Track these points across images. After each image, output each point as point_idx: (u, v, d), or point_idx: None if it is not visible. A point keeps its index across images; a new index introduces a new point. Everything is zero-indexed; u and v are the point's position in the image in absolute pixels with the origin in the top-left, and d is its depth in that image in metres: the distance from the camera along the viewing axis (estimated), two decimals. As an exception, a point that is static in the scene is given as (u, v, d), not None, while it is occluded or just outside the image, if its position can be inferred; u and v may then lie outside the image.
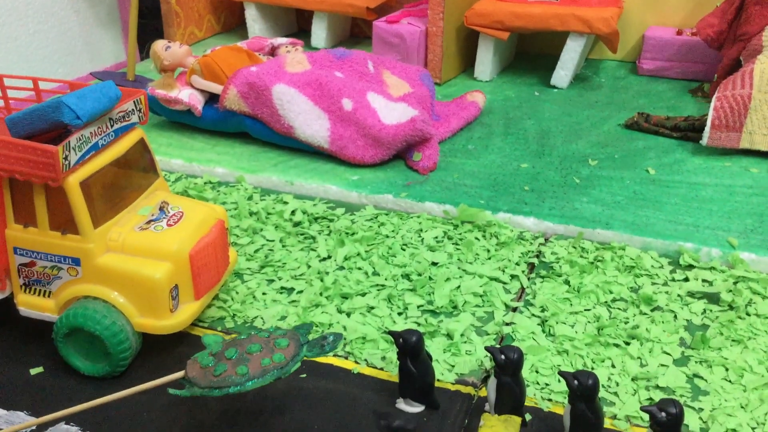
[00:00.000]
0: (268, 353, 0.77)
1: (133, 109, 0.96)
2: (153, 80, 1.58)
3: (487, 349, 0.82)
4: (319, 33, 2.10)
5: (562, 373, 0.78)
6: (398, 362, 0.85)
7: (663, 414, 0.73)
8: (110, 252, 0.89)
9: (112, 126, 0.92)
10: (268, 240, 1.21)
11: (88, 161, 0.89)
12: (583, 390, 0.76)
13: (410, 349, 0.84)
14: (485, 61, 1.90)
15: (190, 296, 0.93)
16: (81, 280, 0.90)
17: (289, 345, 0.79)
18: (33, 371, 0.93)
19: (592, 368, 0.92)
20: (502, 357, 0.81)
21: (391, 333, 0.85)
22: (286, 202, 1.32)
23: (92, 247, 0.88)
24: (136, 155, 0.97)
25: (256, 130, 1.48)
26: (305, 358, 0.79)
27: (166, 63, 1.53)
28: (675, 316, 1.02)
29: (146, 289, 0.88)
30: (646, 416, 0.75)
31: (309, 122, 1.43)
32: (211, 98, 1.53)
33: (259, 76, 1.43)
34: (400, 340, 0.84)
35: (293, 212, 1.28)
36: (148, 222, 0.92)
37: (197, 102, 1.50)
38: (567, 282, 1.09)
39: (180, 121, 1.57)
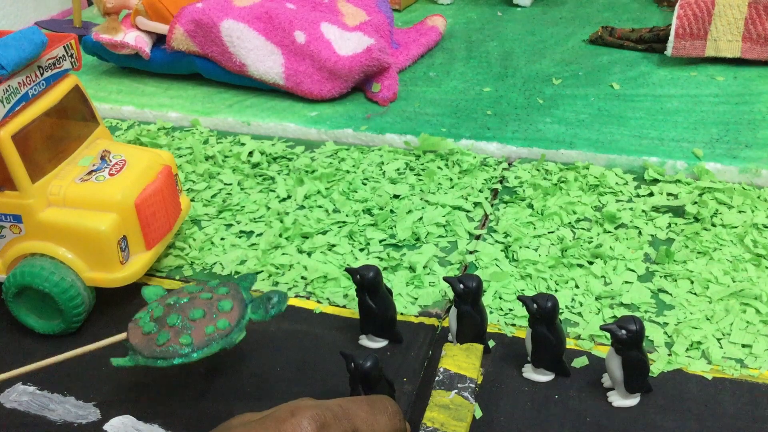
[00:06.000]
0: (212, 320, 0.74)
1: (63, 55, 0.91)
2: (100, 26, 1.51)
3: (445, 279, 0.80)
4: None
5: (521, 298, 0.77)
6: (357, 299, 0.83)
7: (623, 331, 0.72)
8: (52, 206, 0.86)
9: (41, 74, 0.87)
10: (225, 184, 1.17)
11: (19, 113, 0.84)
12: (543, 313, 0.75)
13: (368, 284, 0.82)
14: (445, -16, 1.83)
15: (141, 246, 0.90)
16: (25, 238, 0.86)
17: (232, 308, 0.75)
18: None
19: (556, 290, 0.91)
20: (461, 286, 0.79)
21: (348, 270, 0.83)
22: (243, 144, 1.28)
23: (32, 203, 0.84)
24: (72, 104, 0.92)
25: (208, 70, 1.43)
26: (251, 320, 0.76)
27: (110, 5, 1.46)
28: (639, 233, 1.01)
29: (93, 242, 0.85)
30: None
31: (262, 58, 1.37)
32: (160, 40, 1.47)
33: (206, 13, 1.37)
34: (358, 276, 0.82)
35: (251, 153, 1.25)
36: (90, 173, 0.89)
37: (144, 44, 1.44)
38: (530, 206, 1.07)
39: (129, 66, 1.50)
